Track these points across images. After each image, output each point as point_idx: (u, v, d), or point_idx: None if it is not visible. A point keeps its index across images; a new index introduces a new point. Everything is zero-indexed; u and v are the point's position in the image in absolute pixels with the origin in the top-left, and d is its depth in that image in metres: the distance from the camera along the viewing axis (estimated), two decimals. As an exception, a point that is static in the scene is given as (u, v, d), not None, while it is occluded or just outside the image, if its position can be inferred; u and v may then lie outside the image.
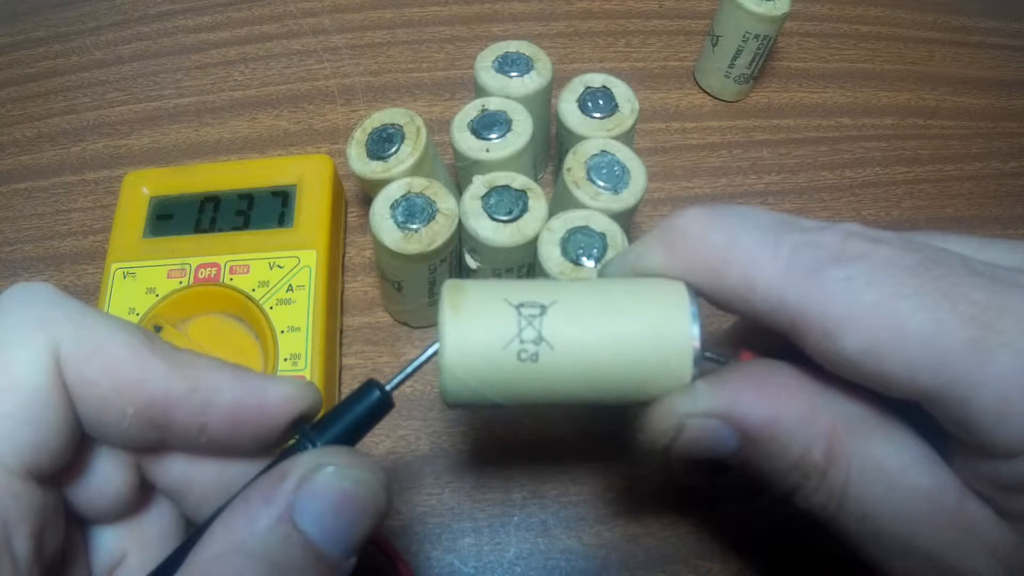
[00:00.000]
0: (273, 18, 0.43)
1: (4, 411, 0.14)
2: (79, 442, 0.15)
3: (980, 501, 0.15)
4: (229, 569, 0.14)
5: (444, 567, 0.27)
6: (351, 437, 0.17)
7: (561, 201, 0.27)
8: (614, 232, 0.25)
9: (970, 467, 0.16)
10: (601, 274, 0.20)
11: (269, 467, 0.16)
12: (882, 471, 0.16)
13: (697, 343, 0.16)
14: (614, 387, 0.17)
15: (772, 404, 0.17)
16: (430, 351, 0.17)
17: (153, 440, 0.16)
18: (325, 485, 0.15)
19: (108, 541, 0.17)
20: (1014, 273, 0.15)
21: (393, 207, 0.26)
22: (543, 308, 0.16)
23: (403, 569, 0.20)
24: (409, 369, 0.17)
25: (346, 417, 0.16)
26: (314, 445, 0.16)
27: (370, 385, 0.17)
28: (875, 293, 0.15)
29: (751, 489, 0.28)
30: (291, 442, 0.17)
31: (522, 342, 0.16)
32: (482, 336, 0.16)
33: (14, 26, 0.44)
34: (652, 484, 0.29)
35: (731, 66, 0.37)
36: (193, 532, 0.16)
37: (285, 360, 0.28)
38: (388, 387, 0.17)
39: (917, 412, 0.16)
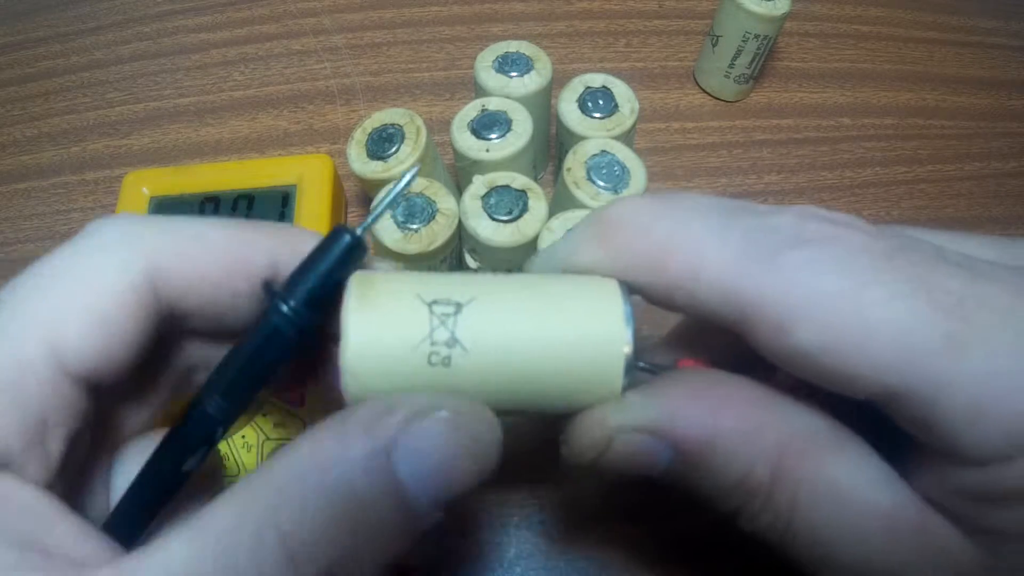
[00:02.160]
0: (273, 18, 0.43)
1: (81, 319, 0.14)
2: (142, 360, 0.15)
3: (943, 518, 0.14)
4: (305, 490, 0.13)
5: (444, 567, 0.27)
6: (325, 293, 0.15)
7: (561, 201, 0.27)
8: (614, 232, 0.25)
9: (934, 477, 0.14)
10: (527, 269, 0.18)
11: (254, 342, 0.15)
12: (835, 490, 0.14)
13: (629, 349, 0.15)
14: (536, 396, 0.15)
15: (712, 418, 0.15)
16: (404, 179, 0.15)
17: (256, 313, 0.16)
18: (435, 433, 0.13)
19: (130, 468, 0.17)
20: (990, 265, 0.14)
21: (393, 207, 0.26)
22: (458, 306, 0.14)
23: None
24: (380, 207, 0.16)
25: (316, 269, 0.15)
26: (286, 304, 0.14)
27: (339, 231, 0.15)
28: (839, 280, 0.13)
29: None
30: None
31: (433, 344, 0.14)
32: (388, 336, 0.14)
33: (14, 26, 0.44)
34: (652, 484, 0.28)
35: (731, 66, 0.37)
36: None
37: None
38: (359, 230, 0.15)
39: (872, 416, 0.15)
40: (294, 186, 0.32)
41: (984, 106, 0.41)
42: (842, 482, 0.14)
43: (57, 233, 0.35)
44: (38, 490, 0.13)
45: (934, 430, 0.13)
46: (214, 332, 0.16)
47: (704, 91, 0.40)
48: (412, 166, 0.16)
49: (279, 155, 0.38)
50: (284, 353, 0.15)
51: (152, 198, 0.32)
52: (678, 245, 0.15)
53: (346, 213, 0.35)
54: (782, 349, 0.14)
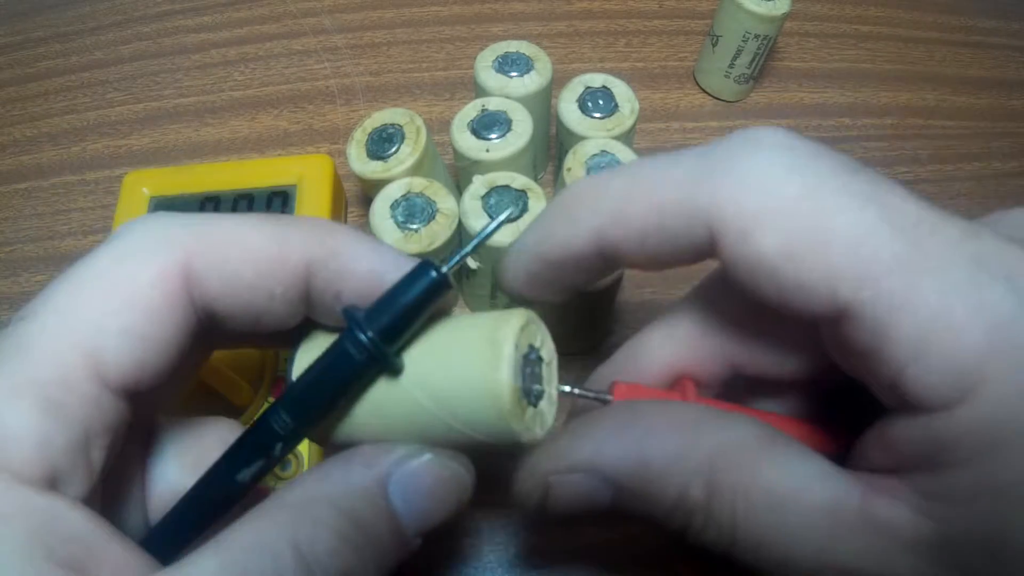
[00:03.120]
0: (273, 18, 0.43)
1: (120, 332, 0.14)
2: (178, 363, 0.15)
3: (889, 498, 0.14)
4: (317, 514, 0.14)
5: (444, 567, 0.27)
6: (404, 324, 0.15)
7: (561, 201, 0.27)
8: (614, 232, 0.25)
9: (886, 440, 0.14)
10: (509, 253, 0.19)
11: (325, 363, 0.15)
12: (771, 495, 0.15)
13: (508, 365, 0.14)
14: (446, 426, 0.15)
15: (638, 448, 0.16)
16: (494, 223, 0.15)
17: (295, 314, 0.16)
18: (423, 467, 0.15)
19: (171, 473, 0.17)
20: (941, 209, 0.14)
21: (393, 207, 0.26)
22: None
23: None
24: (469, 247, 0.16)
25: (397, 302, 0.15)
26: (363, 331, 0.14)
27: (424, 267, 0.15)
28: (796, 185, 0.13)
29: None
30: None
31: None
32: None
33: (14, 26, 0.44)
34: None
35: (731, 66, 0.37)
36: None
37: (285, 360, 0.28)
38: (444, 268, 0.15)
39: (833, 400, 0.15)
40: (294, 186, 0.32)
41: (984, 106, 0.41)
42: (777, 485, 0.15)
43: (57, 233, 0.35)
44: (84, 512, 0.13)
45: (881, 360, 0.13)
46: (247, 331, 0.16)
47: (704, 91, 0.40)
48: (507, 210, 0.16)
49: (279, 155, 0.38)
50: (355, 379, 0.15)
51: (152, 198, 0.32)
52: (636, 189, 0.15)
53: (346, 213, 0.35)
54: (745, 258, 0.14)
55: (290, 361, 0.16)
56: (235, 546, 0.14)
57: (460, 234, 0.27)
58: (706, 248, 0.15)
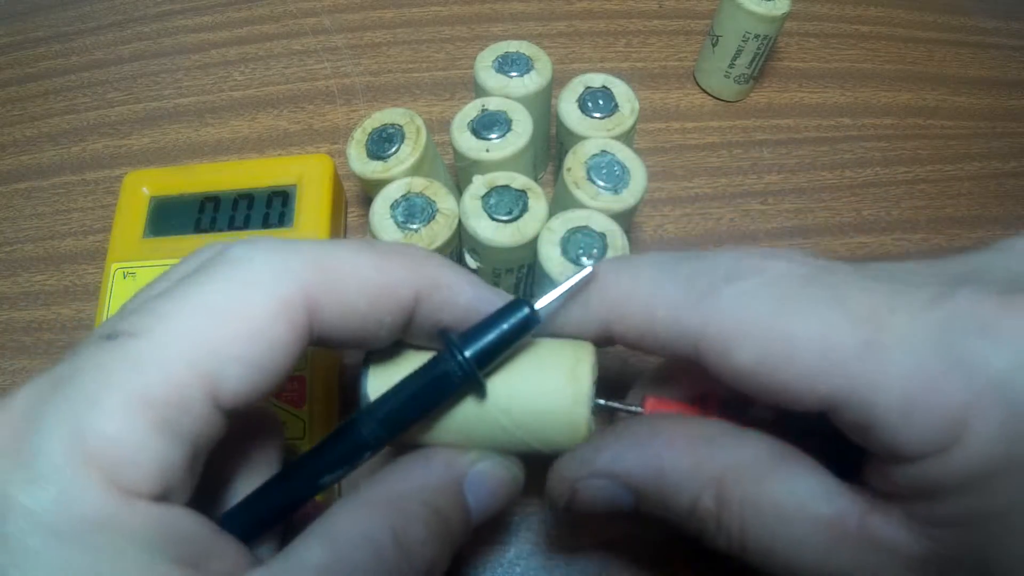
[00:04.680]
0: (273, 18, 0.43)
1: (238, 355, 0.14)
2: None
3: (887, 518, 0.15)
4: (409, 508, 0.16)
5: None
6: (495, 352, 0.17)
7: (561, 201, 0.27)
8: (614, 232, 0.25)
9: (884, 476, 0.15)
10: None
11: (422, 381, 0.17)
12: (778, 508, 0.16)
13: (586, 408, 0.17)
14: (527, 439, 0.18)
15: (655, 459, 0.17)
16: (586, 270, 0.18)
17: (394, 337, 0.17)
18: (493, 470, 0.18)
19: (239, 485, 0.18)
20: (911, 275, 0.15)
21: (393, 207, 0.26)
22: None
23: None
24: (562, 291, 0.17)
25: (492, 331, 0.17)
26: (461, 354, 0.16)
27: (519, 303, 0.17)
28: (764, 305, 0.15)
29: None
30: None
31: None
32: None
33: (14, 26, 0.44)
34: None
35: (731, 66, 0.37)
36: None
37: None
38: (538, 305, 0.17)
39: (824, 429, 0.16)
40: (294, 186, 0.32)
41: (984, 106, 0.41)
42: (783, 499, 0.16)
43: (57, 233, 0.35)
44: (196, 516, 0.14)
45: (873, 432, 0.14)
46: (347, 347, 0.18)
47: (704, 91, 0.40)
48: (592, 262, 0.18)
49: (279, 155, 0.38)
50: (447, 398, 0.17)
51: (152, 198, 0.32)
52: (636, 294, 0.17)
53: (346, 213, 0.35)
54: (727, 370, 0.16)
55: (364, 376, 0.18)
56: (340, 537, 0.15)
57: (460, 234, 0.27)
58: (692, 357, 0.17)
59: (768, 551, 0.16)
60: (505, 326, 0.17)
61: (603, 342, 0.19)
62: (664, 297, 0.17)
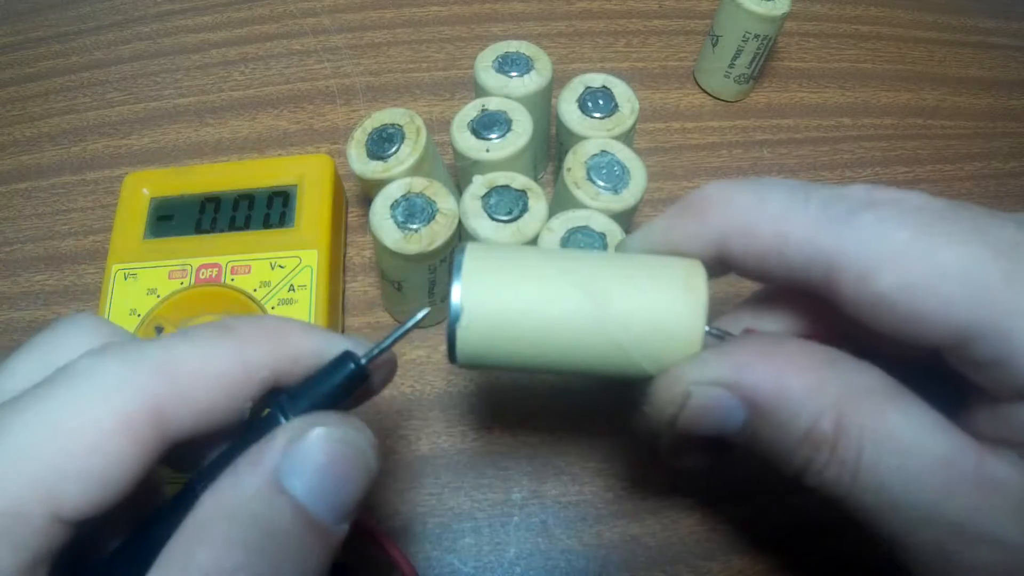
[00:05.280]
0: (273, 18, 0.43)
1: (79, 470, 0.14)
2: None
3: (1003, 460, 0.15)
4: (217, 533, 0.14)
5: (444, 567, 0.27)
6: (322, 407, 0.16)
7: (561, 201, 0.27)
8: (614, 232, 0.25)
9: (1002, 418, 0.15)
10: (620, 249, 0.21)
11: (243, 439, 0.16)
12: (895, 440, 0.15)
13: (704, 315, 0.17)
14: (625, 356, 0.17)
15: (779, 373, 0.16)
16: (418, 315, 0.17)
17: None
18: (313, 446, 0.15)
19: None
20: None
21: (393, 207, 0.26)
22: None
23: (406, 568, 0.20)
24: (386, 342, 0.17)
25: (318, 389, 0.16)
26: (286, 418, 0.16)
27: (344, 358, 0.17)
28: (908, 232, 0.15)
29: (749, 489, 0.28)
30: (265, 413, 0.17)
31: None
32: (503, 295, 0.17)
33: (14, 26, 0.44)
34: (652, 485, 0.29)
35: (731, 66, 0.37)
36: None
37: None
38: (364, 359, 0.17)
39: (921, 377, 0.16)
40: (294, 186, 0.32)
41: (984, 106, 0.41)
42: (902, 431, 0.15)
43: (57, 233, 0.35)
44: None
45: (1004, 366, 0.14)
46: (203, 440, 0.16)
47: (704, 91, 0.40)
48: (424, 310, 0.18)
49: (279, 155, 0.38)
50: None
51: (152, 198, 0.32)
52: (766, 212, 0.17)
53: (346, 213, 0.35)
54: (866, 296, 0.16)
55: (459, 257, 0.18)
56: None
57: (460, 234, 0.27)
58: (818, 283, 0.16)
59: (879, 487, 0.15)
60: (330, 385, 0.16)
61: (711, 263, 0.18)
62: (798, 218, 0.16)
